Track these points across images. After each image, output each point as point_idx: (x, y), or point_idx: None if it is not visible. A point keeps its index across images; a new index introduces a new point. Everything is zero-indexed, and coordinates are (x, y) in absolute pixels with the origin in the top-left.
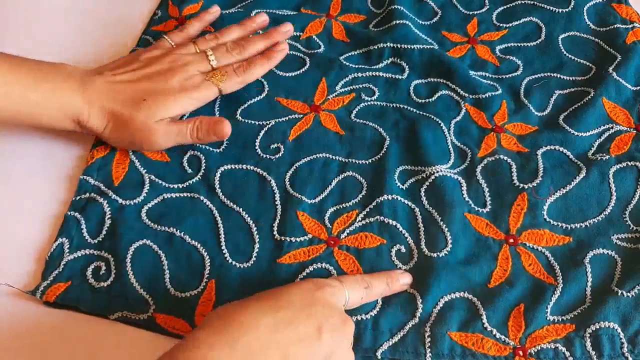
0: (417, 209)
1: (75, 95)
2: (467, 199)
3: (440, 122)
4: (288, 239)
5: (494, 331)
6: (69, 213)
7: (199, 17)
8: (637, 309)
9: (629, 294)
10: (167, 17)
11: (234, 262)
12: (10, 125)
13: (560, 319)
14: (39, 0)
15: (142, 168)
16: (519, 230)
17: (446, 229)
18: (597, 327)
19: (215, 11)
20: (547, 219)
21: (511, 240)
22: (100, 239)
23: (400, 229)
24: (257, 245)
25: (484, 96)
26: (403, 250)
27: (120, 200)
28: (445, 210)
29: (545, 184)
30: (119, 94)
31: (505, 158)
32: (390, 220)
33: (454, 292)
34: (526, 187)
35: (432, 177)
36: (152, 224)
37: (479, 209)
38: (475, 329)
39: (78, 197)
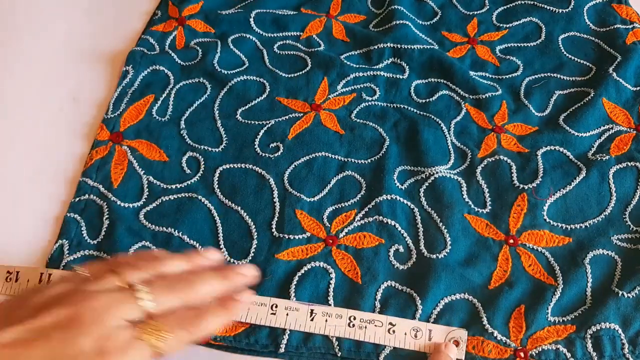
0: (416, 209)
1: None
2: (466, 199)
3: (440, 122)
4: (286, 235)
5: (495, 332)
6: (69, 214)
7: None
8: (637, 309)
9: (629, 294)
10: (167, 17)
11: (232, 260)
12: (9, 127)
13: (561, 320)
14: (40, 0)
15: (141, 169)
16: (519, 231)
17: (445, 230)
18: (598, 327)
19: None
20: (547, 220)
21: (511, 241)
22: (100, 240)
23: (399, 228)
24: (255, 242)
25: (484, 96)
26: (401, 250)
27: (119, 202)
28: (445, 211)
29: (545, 185)
30: None
31: (505, 159)
32: (389, 220)
33: (454, 293)
34: (526, 187)
35: (432, 177)
36: (151, 224)
37: (479, 209)
38: (475, 331)
39: (77, 199)
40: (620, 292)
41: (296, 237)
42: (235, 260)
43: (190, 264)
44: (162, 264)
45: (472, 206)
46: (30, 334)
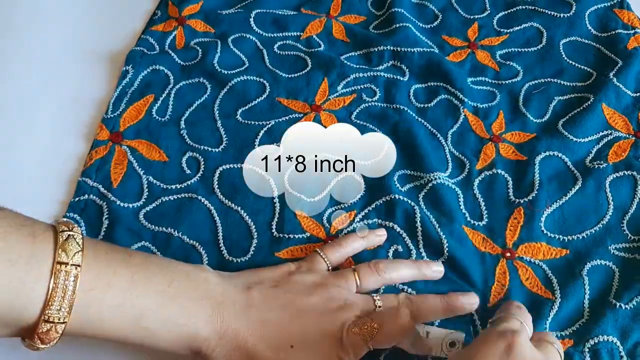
0: (416, 208)
1: (206, 326)
2: (463, 210)
3: (437, 133)
4: (286, 235)
5: None
6: (68, 214)
7: (356, 236)
8: (635, 321)
9: (627, 306)
10: (167, 17)
11: (231, 258)
12: (9, 126)
13: (559, 335)
14: (40, 0)
15: (140, 169)
16: (516, 244)
17: (444, 237)
18: (596, 341)
19: (382, 234)
20: (544, 231)
21: (508, 254)
22: (99, 240)
23: (398, 229)
24: (255, 241)
25: (482, 105)
26: (400, 249)
27: (118, 202)
28: (443, 219)
29: (541, 197)
30: (263, 331)
31: (502, 173)
32: (388, 222)
33: None
34: (522, 201)
35: (431, 183)
36: (150, 225)
37: (475, 222)
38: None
39: (77, 199)
40: (618, 304)
41: (296, 236)
42: (234, 259)
43: (414, 270)
44: (388, 270)
45: (469, 219)
46: (294, 310)
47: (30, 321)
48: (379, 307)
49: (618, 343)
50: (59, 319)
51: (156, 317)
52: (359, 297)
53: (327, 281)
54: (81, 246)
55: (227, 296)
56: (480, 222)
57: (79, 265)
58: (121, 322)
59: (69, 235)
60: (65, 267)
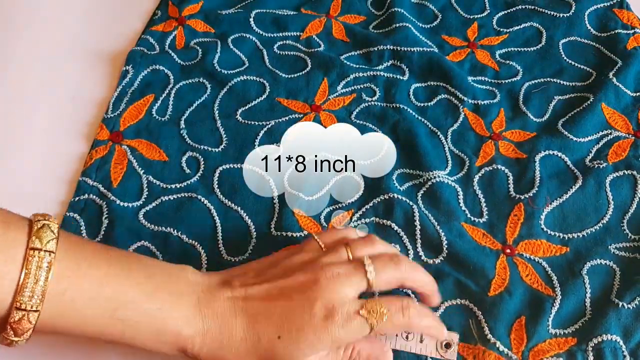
0: (414, 207)
1: (188, 323)
2: (463, 208)
3: (437, 131)
4: (284, 233)
5: (497, 343)
6: (68, 214)
7: (351, 228)
8: (638, 320)
9: (629, 305)
10: (167, 17)
11: (229, 258)
12: (9, 127)
13: (562, 332)
14: (40, 0)
15: (140, 168)
16: (516, 241)
17: (443, 235)
18: (600, 340)
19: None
20: (545, 229)
21: (508, 251)
22: (99, 239)
23: (396, 228)
24: (253, 241)
25: (482, 103)
26: (397, 249)
27: (118, 201)
28: (442, 218)
29: (542, 194)
30: (248, 323)
31: (503, 168)
32: (385, 221)
33: (454, 298)
34: (522, 197)
35: (430, 182)
36: (150, 224)
37: (475, 219)
38: (476, 340)
39: (77, 199)
40: (621, 303)
41: (293, 234)
42: (232, 258)
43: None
44: (376, 244)
45: (469, 215)
46: (276, 292)
47: (2, 311)
48: (370, 272)
49: (621, 342)
50: (31, 307)
51: (133, 309)
52: (349, 266)
53: (317, 257)
54: (56, 234)
55: (208, 292)
56: (480, 219)
57: (52, 252)
58: (96, 312)
59: (44, 224)
60: (39, 252)
